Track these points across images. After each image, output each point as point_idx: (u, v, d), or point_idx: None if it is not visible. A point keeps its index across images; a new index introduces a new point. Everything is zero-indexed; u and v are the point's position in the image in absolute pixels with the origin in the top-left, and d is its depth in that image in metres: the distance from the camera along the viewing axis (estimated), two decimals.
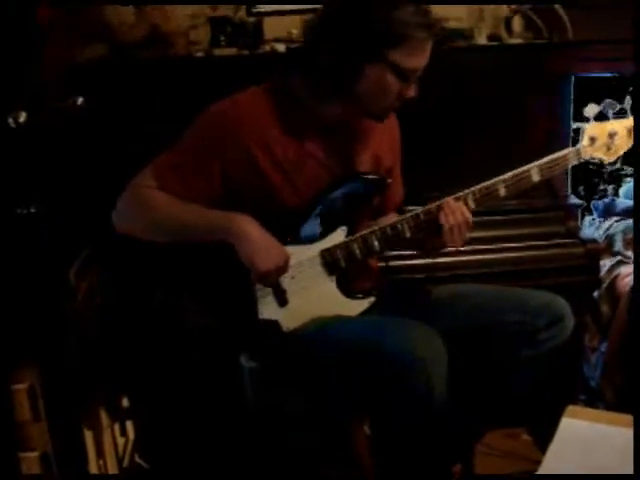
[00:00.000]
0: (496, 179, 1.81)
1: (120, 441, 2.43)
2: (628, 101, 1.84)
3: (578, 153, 1.85)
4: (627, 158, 4.52)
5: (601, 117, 1.86)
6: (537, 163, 1.82)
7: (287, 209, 1.77)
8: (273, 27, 2.57)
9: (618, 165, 4.78)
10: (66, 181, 2.18)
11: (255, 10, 2.58)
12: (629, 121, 1.86)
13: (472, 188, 1.80)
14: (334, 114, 1.78)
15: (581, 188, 4.63)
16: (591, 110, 1.84)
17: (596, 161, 1.91)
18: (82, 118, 2.00)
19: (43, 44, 1.99)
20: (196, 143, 1.74)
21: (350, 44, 1.65)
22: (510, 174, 1.82)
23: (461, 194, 1.80)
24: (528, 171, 1.82)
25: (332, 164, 1.81)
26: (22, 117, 1.68)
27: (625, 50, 2.83)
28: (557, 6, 2.57)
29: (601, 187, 4.66)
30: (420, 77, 1.74)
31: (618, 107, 1.84)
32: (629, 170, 4.80)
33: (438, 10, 2.47)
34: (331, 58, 1.68)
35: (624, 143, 1.87)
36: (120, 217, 1.78)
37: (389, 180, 1.88)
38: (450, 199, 1.79)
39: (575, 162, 1.85)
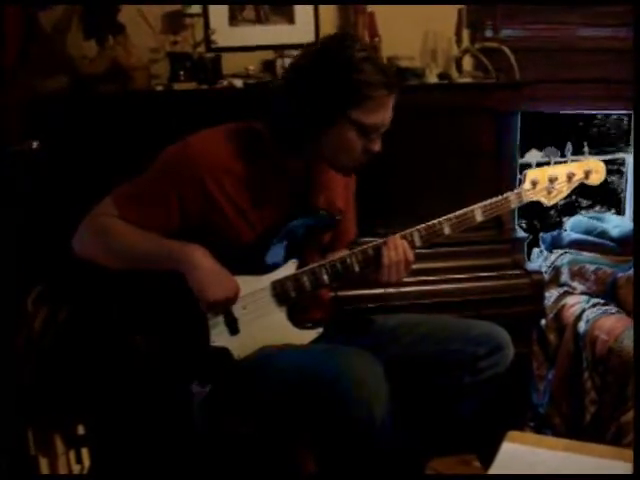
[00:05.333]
0: (441, 219, 1.87)
1: (75, 468, 2.44)
2: (568, 148, 1.93)
3: (519, 196, 1.92)
4: (582, 191, 4.68)
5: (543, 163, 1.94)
6: (480, 204, 1.89)
7: (241, 242, 1.82)
8: (231, 63, 2.63)
9: (574, 197, 4.94)
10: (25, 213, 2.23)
11: (214, 46, 2.66)
12: (569, 166, 1.94)
13: (418, 227, 1.86)
14: (293, 163, 1.85)
15: (535, 221, 4.77)
16: (533, 156, 1.92)
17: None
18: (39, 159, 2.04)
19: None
20: (156, 177, 1.79)
21: (313, 104, 1.71)
22: (455, 214, 1.88)
23: (407, 232, 1.86)
24: (472, 212, 1.89)
25: (286, 202, 1.87)
26: None
27: (566, 89, 2.98)
28: (504, 48, 2.68)
29: (557, 219, 4.80)
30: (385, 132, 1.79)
31: (559, 154, 1.92)
32: (584, 202, 4.95)
33: (391, 49, 2.62)
34: (296, 117, 1.74)
35: (564, 187, 1.95)
36: (80, 243, 1.82)
37: (338, 217, 1.94)
38: (396, 236, 1.84)
39: (517, 204, 1.93)
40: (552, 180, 1.93)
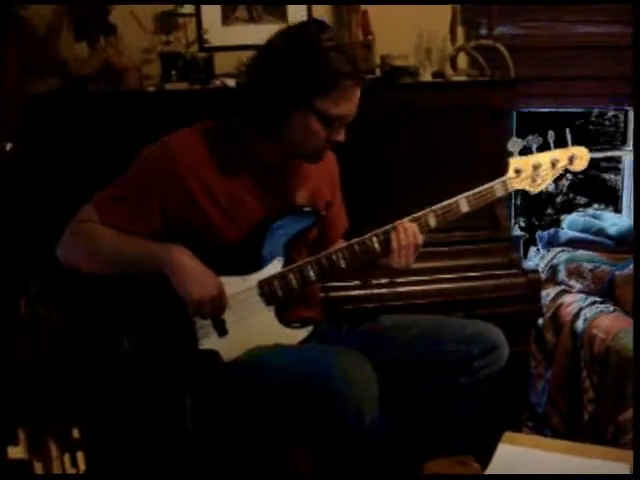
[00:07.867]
0: (426, 210, 1.86)
1: (71, 472, 2.42)
2: (551, 135, 1.91)
3: (504, 185, 1.90)
4: (580, 189, 4.66)
5: (525, 151, 1.92)
6: (465, 195, 1.87)
7: (225, 242, 1.80)
8: (224, 63, 2.60)
9: (571, 195, 4.93)
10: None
11: (207, 46, 2.64)
12: (552, 153, 1.92)
13: (403, 219, 1.85)
14: (269, 153, 1.83)
15: (534, 219, 4.75)
16: (515, 145, 1.90)
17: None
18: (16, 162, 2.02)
19: None
20: (135, 178, 1.79)
21: (278, 90, 1.70)
22: (440, 205, 1.87)
23: (393, 225, 1.84)
24: (456, 202, 1.87)
25: (269, 199, 1.86)
26: None
27: (562, 87, 2.97)
28: (499, 45, 2.67)
29: (554, 217, 4.79)
30: (349, 123, 1.77)
31: (541, 141, 1.90)
32: (582, 200, 4.94)
33: (385, 48, 2.61)
34: (262, 102, 1.73)
35: (549, 174, 1.93)
36: (64, 251, 1.82)
37: (323, 212, 1.93)
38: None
39: (502, 193, 1.90)
40: (536, 167, 1.91)
